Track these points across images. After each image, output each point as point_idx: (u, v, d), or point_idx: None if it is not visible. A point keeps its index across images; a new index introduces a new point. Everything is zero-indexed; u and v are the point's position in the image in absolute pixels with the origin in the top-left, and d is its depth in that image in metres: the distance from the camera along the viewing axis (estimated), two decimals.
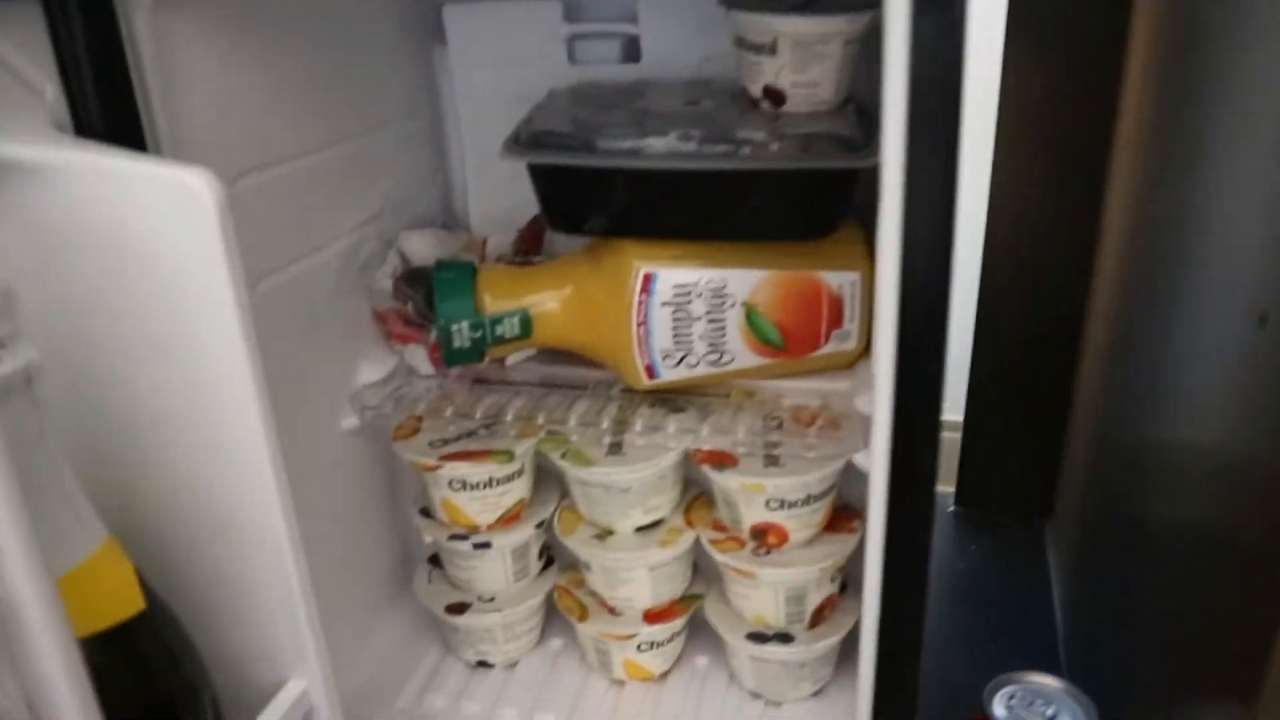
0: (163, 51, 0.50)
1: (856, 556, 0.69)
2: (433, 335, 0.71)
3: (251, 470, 0.46)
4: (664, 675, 0.74)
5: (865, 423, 0.65)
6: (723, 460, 0.65)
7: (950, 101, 0.46)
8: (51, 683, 0.33)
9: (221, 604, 0.50)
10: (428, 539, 0.71)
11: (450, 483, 0.68)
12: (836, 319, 0.67)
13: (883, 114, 0.46)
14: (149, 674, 0.44)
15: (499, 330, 0.66)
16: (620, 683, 0.73)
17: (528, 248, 0.76)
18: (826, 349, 0.68)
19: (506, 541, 0.70)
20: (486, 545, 0.70)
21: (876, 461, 0.53)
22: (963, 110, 0.46)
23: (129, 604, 0.43)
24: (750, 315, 0.65)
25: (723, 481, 0.65)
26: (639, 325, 0.64)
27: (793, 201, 0.64)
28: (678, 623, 0.72)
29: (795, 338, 0.67)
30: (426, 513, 0.72)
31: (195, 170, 0.41)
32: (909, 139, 0.45)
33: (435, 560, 0.77)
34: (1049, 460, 1.04)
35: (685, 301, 0.65)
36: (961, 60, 0.45)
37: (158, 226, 0.42)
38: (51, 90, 0.45)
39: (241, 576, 0.49)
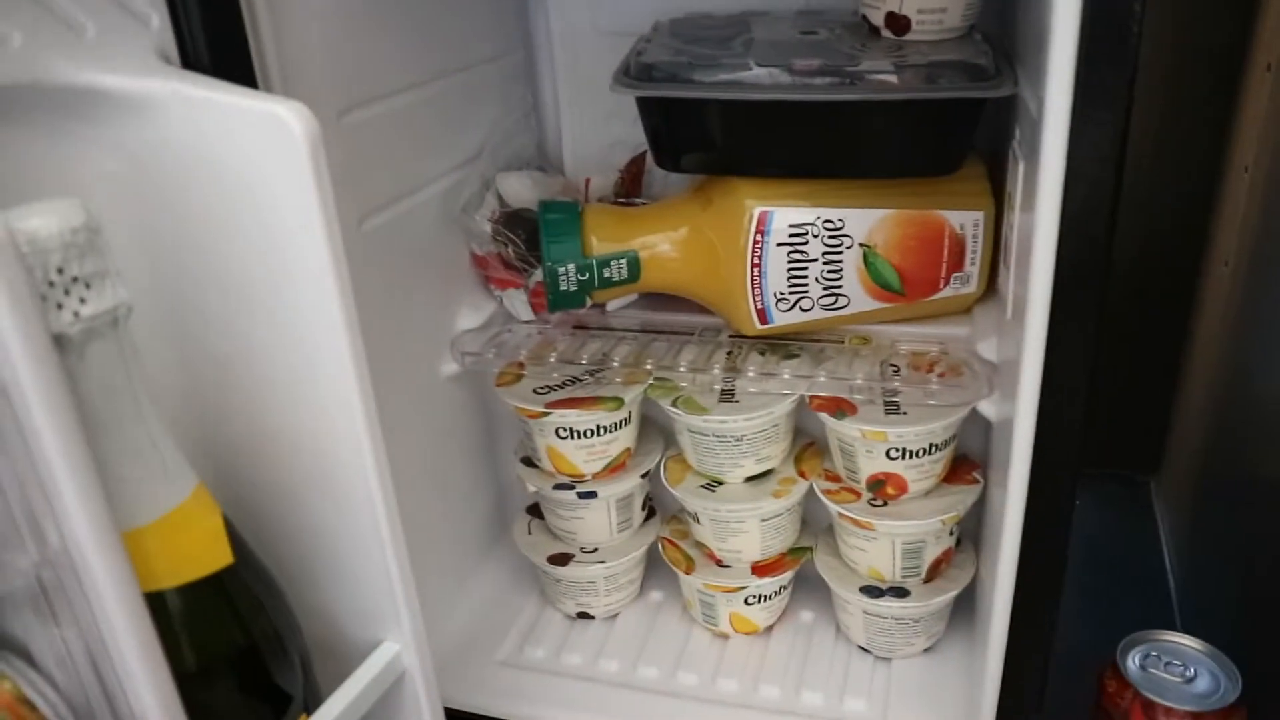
0: None
1: (973, 509, 0.66)
2: (534, 279, 0.69)
3: (345, 420, 0.44)
4: (769, 629, 0.72)
5: (990, 369, 0.62)
6: (841, 407, 0.63)
7: (1124, 32, 0.42)
8: (117, 640, 0.31)
9: (314, 557, 0.49)
10: (531, 488, 0.70)
11: (557, 430, 0.66)
12: (957, 261, 0.64)
13: (1049, 42, 0.42)
14: (236, 626, 0.43)
15: (606, 273, 0.63)
16: (725, 636, 0.72)
17: (629, 189, 0.73)
18: (946, 292, 0.64)
19: (612, 491, 0.68)
20: (592, 495, 0.68)
21: (1022, 414, 0.50)
22: (1139, 39, 0.42)
23: (217, 556, 0.41)
24: (868, 257, 0.62)
25: (842, 430, 0.63)
26: (753, 267, 0.62)
27: (919, 135, 0.60)
28: (786, 576, 0.69)
29: (914, 280, 0.64)
30: (529, 462, 0.71)
31: (288, 103, 0.39)
32: (1083, 58, 0.41)
33: (535, 510, 0.75)
34: (1158, 414, 0.99)
35: (801, 242, 0.61)
36: None
37: (253, 160, 0.40)
38: (157, 19, 0.43)
39: (335, 531, 0.48)
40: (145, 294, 0.43)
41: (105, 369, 0.35)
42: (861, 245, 0.62)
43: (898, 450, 0.62)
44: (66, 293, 0.31)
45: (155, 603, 0.39)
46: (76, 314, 0.32)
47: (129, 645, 0.30)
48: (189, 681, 0.40)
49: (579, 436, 0.66)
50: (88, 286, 0.32)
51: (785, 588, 0.71)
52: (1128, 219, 0.92)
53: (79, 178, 0.42)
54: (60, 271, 0.31)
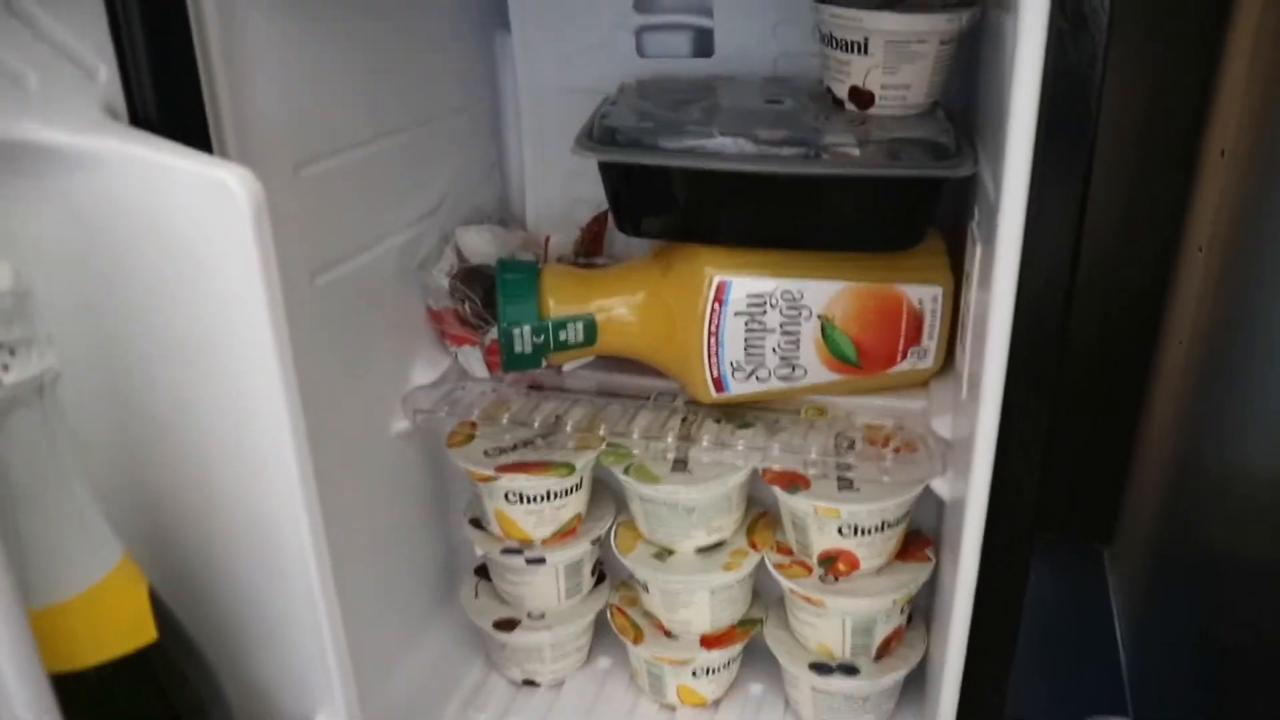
0: (230, 33, 0.46)
1: (926, 586, 0.65)
2: (489, 337, 0.68)
3: (282, 486, 0.42)
4: (717, 702, 0.71)
5: (944, 447, 0.62)
6: (795, 481, 0.62)
7: (1084, 117, 0.42)
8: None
9: (247, 627, 0.47)
10: (479, 551, 0.69)
11: (506, 495, 0.65)
12: (915, 335, 0.64)
13: (1008, 121, 0.43)
14: (159, 704, 0.41)
15: (563, 336, 0.62)
16: (672, 708, 0.70)
17: (590, 248, 0.73)
18: (903, 366, 0.64)
19: (561, 557, 0.67)
20: (540, 561, 0.67)
21: (974, 492, 0.49)
22: (1098, 118, 0.42)
23: (140, 633, 0.39)
24: (826, 328, 0.62)
25: (794, 504, 0.62)
26: (710, 335, 0.61)
27: (879, 210, 0.60)
28: (735, 648, 0.68)
29: (871, 354, 0.63)
30: (477, 523, 0.69)
31: (232, 168, 0.38)
32: (1039, 152, 0.42)
33: (483, 572, 0.74)
34: (1112, 485, 1.00)
35: (759, 312, 0.61)
36: (1100, 79, 0.41)
37: (196, 222, 0.39)
38: (105, 71, 0.42)
39: (268, 599, 0.46)
40: (85, 353, 0.41)
41: (28, 437, 0.34)
42: (819, 317, 0.62)
43: (850, 527, 0.61)
44: None
45: (75, 682, 0.37)
46: (8, 380, 0.30)
47: None
48: None
49: (529, 501, 0.65)
50: (12, 353, 0.31)
51: (734, 660, 0.70)
52: (1089, 295, 0.93)
53: (18, 233, 0.41)
54: None
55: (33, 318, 0.32)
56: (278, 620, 0.45)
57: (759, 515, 0.69)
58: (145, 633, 0.38)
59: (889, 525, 0.62)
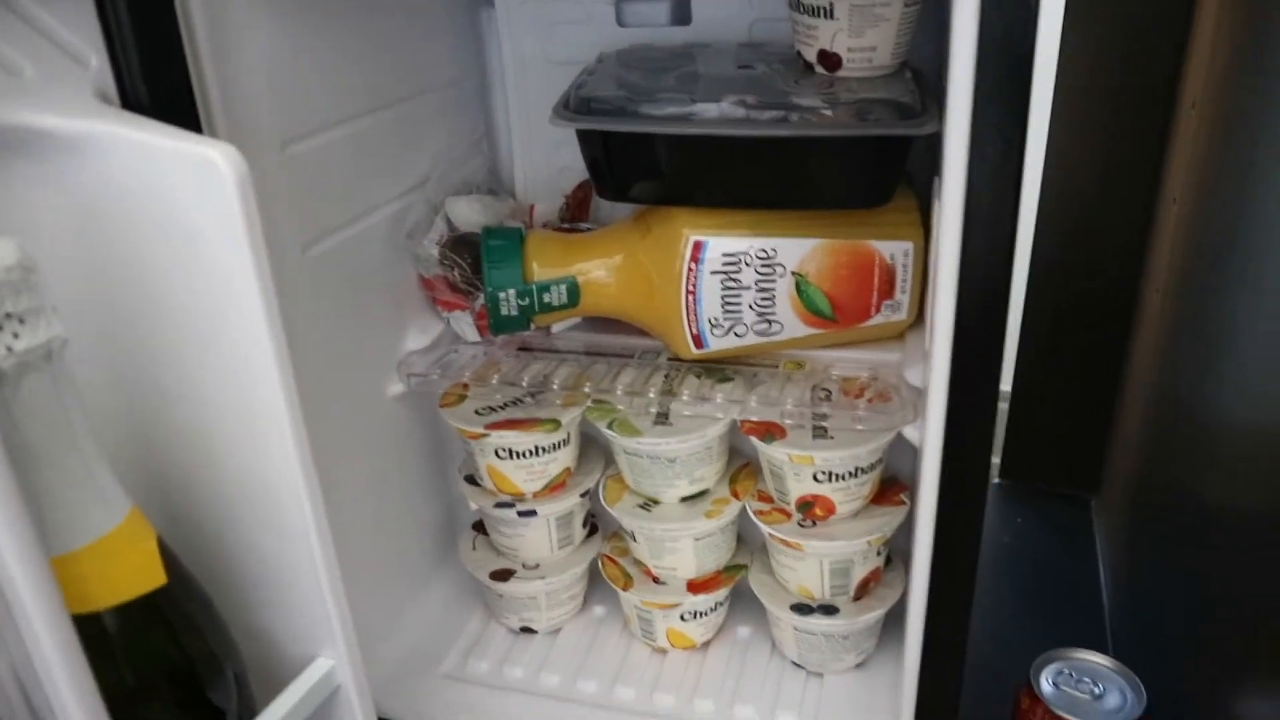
0: (216, 16, 0.49)
1: (903, 529, 0.68)
2: (479, 301, 0.71)
3: (277, 445, 0.45)
4: (706, 644, 0.74)
5: (915, 395, 0.64)
6: (771, 431, 0.65)
7: (1020, 65, 0.44)
8: (45, 660, 0.33)
9: (250, 577, 0.50)
10: (473, 506, 0.72)
11: (496, 451, 0.68)
12: (888, 289, 0.66)
13: (948, 78, 0.45)
14: (170, 645, 0.44)
15: (546, 298, 0.65)
16: (663, 651, 0.74)
17: (575, 214, 0.75)
18: (877, 319, 0.67)
19: (551, 510, 0.70)
20: (532, 513, 0.70)
21: (930, 435, 0.52)
22: (1032, 76, 0.44)
23: (150, 578, 0.43)
24: (800, 285, 0.64)
25: (770, 453, 0.65)
26: (688, 294, 0.64)
27: (848, 169, 0.63)
28: (721, 593, 0.72)
29: (845, 308, 0.66)
30: (472, 480, 0.72)
31: (218, 146, 0.40)
32: (976, 104, 0.44)
33: (480, 527, 0.77)
34: (1098, 434, 1.02)
35: (735, 270, 0.64)
36: (1034, 21, 0.43)
37: (187, 199, 0.42)
38: (96, 59, 0.45)
39: (270, 550, 0.49)
40: (88, 326, 0.45)
41: (39, 401, 0.37)
42: (793, 273, 0.64)
43: (824, 473, 0.64)
44: (0, 328, 0.33)
45: (89, 624, 0.41)
46: (9, 348, 0.33)
47: (58, 669, 0.32)
48: (124, 701, 0.41)
49: (518, 456, 0.68)
50: (21, 322, 0.34)
51: (721, 604, 0.73)
52: (1074, 248, 0.95)
53: (22, 214, 0.44)
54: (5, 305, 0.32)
55: (38, 289, 0.35)
56: (280, 571, 0.49)
57: (741, 465, 0.72)
58: (155, 578, 0.41)
59: (863, 471, 0.64)
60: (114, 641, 0.41)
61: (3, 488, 0.30)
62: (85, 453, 0.39)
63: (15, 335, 0.34)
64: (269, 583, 0.49)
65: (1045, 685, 0.61)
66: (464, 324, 0.72)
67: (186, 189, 0.41)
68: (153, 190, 0.42)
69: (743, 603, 0.76)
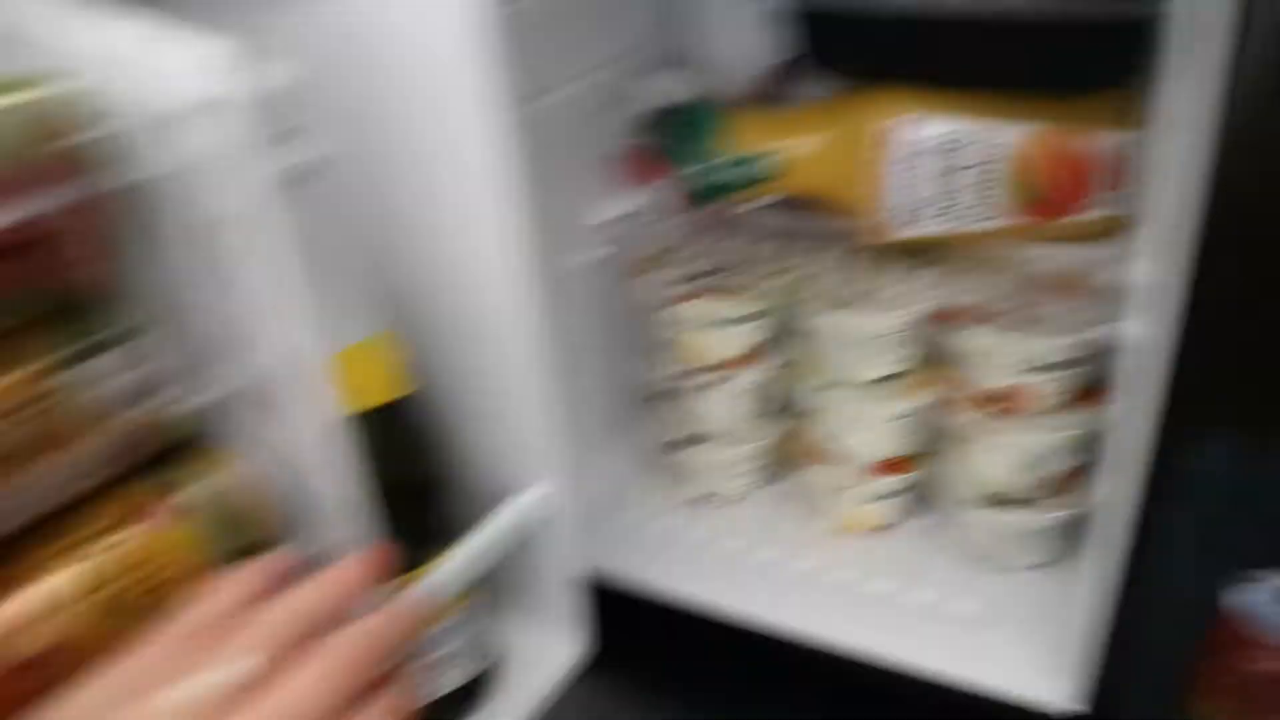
0: None
1: (1105, 429, 0.66)
2: (678, 175, 0.72)
3: (510, 282, 0.48)
4: (886, 529, 0.75)
5: (1130, 291, 0.61)
6: (972, 318, 0.64)
7: None
8: (313, 451, 0.36)
9: (474, 405, 0.54)
10: (661, 374, 0.74)
11: (691, 319, 0.69)
12: (1105, 182, 0.63)
13: None
14: (407, 455, 0.48)
15: (745, 174, 0.65)
16: (842, 530, 0.75)
17: (775, 90, 0.75)
18: (1092, 213, 0.64)
19: (741, 381, 0.72)
20: (721, 383, 0.72)
21: (1150, 334, 0.50)
22: None
23: (399, 386, 0.47)
24: (1014, 172, 0.62)
25: (973, 339, 0.64)
26: (894, 175, 0.63)
27: (1081, 51, 0.59)
28: (905, 478, 0.72)
29: (1059, 199, 0.63)
30: (661, 349, 0.75)
31: None
32: None
33: (666, 395, 0.80)
34: None
35: (947, 153, 0.62)
36: None
37: (431, 34, 0.44)
38: None
39: (496, 378, 0.53)
40: (342, 151, 0.48)
41: (310, 210, 0.41)
42: (1008, 160, 0.62)
43: (1028, 364, 0.62)
44: (277, 142, 0.37)
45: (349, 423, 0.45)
46: (285, 162, 0.37)
47: (323, 454, 0.36)
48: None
49: (712, 326, 0.69)
50: (294, 138, 0.38)
51: (906, 489, 0.74)
52: None
53: (290, 41, 0.47)
54: (276, 122, 0.36)
55: (309, 109, 0.38)
56: (504, 399, 0.52)
57: (935, 352, 0.71)
58: (400, 387, 0.45)
59: (1067, 365, 0.62)
60: (361, 443, 0.45)
61: (293, 287, 0.33)
62: (349, 264, 0.44)
63: (289, 150, 0.38)
64: (492, 412, 0.53)
65: (1246, 601, 0.59)
66: (660, 196, 0.73)
67: (429, 29, 0.44)
68: (405, 26, 0.45)
69: (927, 491, 0.76)
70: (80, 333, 0.32)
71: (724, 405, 0.74)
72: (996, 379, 0.65)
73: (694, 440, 0.75)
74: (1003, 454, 0.66)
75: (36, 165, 0.27)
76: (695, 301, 0.69)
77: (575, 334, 0.75)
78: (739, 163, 0.65)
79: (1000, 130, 0.61)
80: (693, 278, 0.70)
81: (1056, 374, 0.63)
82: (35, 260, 0.28)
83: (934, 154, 0.62)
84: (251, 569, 0.30)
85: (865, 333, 0.67)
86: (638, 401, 0.85)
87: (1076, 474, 0.68)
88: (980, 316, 0.64)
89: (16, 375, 0.30)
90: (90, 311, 0.32)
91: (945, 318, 0.65)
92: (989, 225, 0.64)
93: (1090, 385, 0.67)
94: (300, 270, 0.34)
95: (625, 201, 0.74)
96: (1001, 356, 0.63)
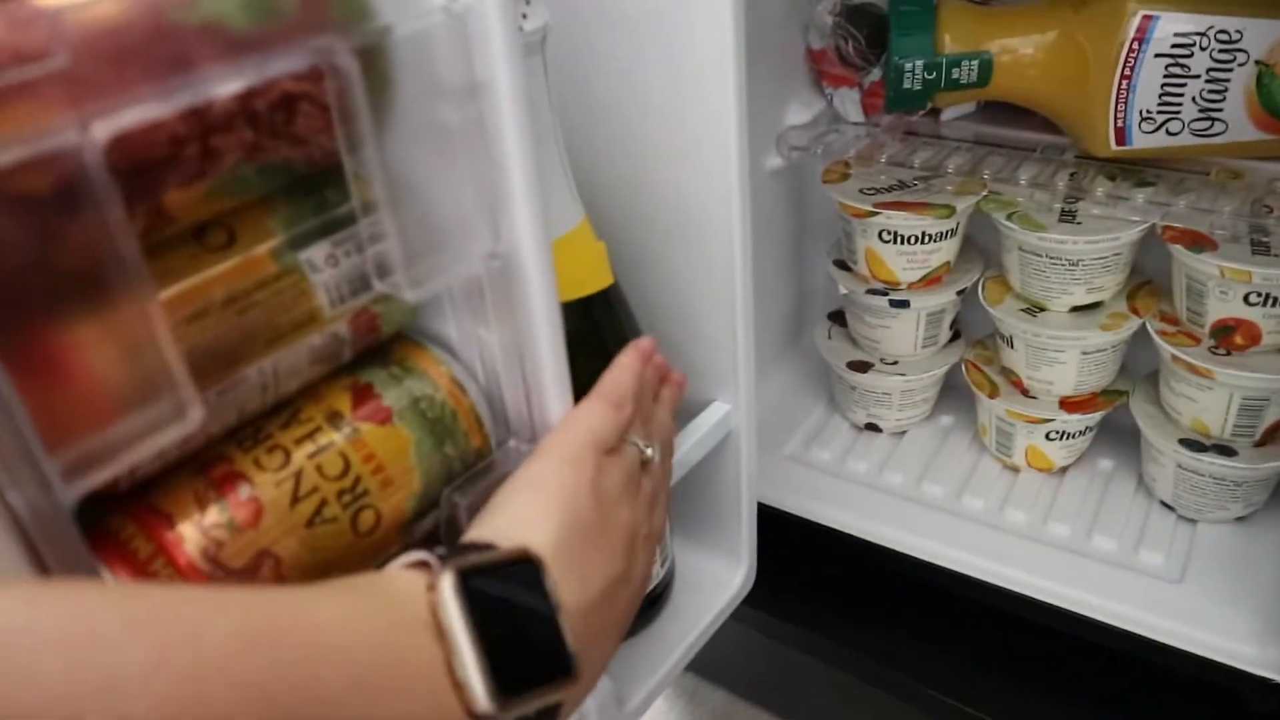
0: None
1: None
2: (869, 79, 0.67)
3: (718, 176, 0.44)
4: (1064, 469, 0.70)
5: None
6: (1199, 241, 0.58)
7: None
8: (537, 336, 0.33)
9: (667, 312, 0.50)
10: (843, 290, 0.70)
11: (881, 233, 0.65)
12: None
13: None
14: (606, 352, 0.45)
15: (955, 74, 0.60)
16: (1016, 469, 0.70)
17: None
18: None
19: (925, 303, 0.67)
20: (904, 304, 0.67)
21: None
22: None
23: (600, 278, 0.43)
24: (1263, 77, 0.55)
25: (1196, 265, 0.58)
26: (1122, 79, 0.56)
27: None
28: (1095, 416, 0.67)
29: None
30: (842, 265, 0.70)
31: None
32: None
33: (836, 317, 0.75)
34: None
35: (1185, 55, 0.55)
36: None
37: None
38: None
39: (690, 288, 0.49)
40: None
41: (534, 85, 0.37)
42: (1257, 63, 0.55)
43: (1260, 295, 0.56)
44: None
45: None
46: (520, 27, 0.33)
47: (545, 345, 0.33)
48: None
49: (902, 242, 0.64)
50: (528, 2, 0.34)
51: (1090, 429, 0.69)
52: None
53: None
54: None
55: None
56: (695, 309, 0.49)
57: (1142, 283, 0.65)
58: (605, 278, 0.42)
59: None
60: (575, 328, 0.42)
61: (530, 164, 0.30)
62: (560, 148, 0.40)
63: (524, 15, 0.34)
64: (683, 318, 0.50)
65: None
66: (849, 102, 0.68)
67: None
68: None
69: (1109, 434, 0.71)
70: (312, 210, 0.29)
71: (900, 329, 0.70)
72: (1219, 310, 0.59)
73: (865, 365, 0.71)
74: (1218, 394, 0.60)
75: (272, 26, 0.24)
76: (883, 215, 0.64)
77: (753, 245, 0.71)
78: (946, 63, 0.59)
79: (1247, 27, 0.54)
80: (883, 189, 0.65)
81: None
82: (272, 127, 0.25)
83: (1169, 56, 0.55)
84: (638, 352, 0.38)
85: (1071, 255, 0.61)
86: (807, 320, 0.81)
87: None
88: (1207, 241, 0.58)
89: (249, 254, 0.27)
90: (324, 188, 0.29)
91: (1166, 240, 0.59)
92: (1221, 140, 0.58)
93: None
94: (535, 150, 0.31)
95: (812, 107, 0.69)
96: (1229, 286, 0.57)
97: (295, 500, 0.29)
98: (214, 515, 0.27)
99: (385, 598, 0.26)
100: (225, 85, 0.23)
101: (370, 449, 0.31)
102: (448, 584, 0.26)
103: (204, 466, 0.28)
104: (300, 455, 0.30)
